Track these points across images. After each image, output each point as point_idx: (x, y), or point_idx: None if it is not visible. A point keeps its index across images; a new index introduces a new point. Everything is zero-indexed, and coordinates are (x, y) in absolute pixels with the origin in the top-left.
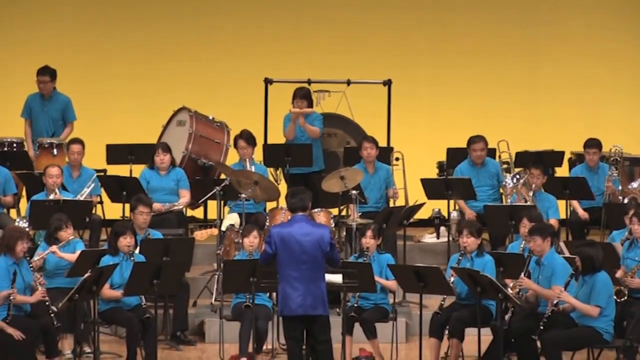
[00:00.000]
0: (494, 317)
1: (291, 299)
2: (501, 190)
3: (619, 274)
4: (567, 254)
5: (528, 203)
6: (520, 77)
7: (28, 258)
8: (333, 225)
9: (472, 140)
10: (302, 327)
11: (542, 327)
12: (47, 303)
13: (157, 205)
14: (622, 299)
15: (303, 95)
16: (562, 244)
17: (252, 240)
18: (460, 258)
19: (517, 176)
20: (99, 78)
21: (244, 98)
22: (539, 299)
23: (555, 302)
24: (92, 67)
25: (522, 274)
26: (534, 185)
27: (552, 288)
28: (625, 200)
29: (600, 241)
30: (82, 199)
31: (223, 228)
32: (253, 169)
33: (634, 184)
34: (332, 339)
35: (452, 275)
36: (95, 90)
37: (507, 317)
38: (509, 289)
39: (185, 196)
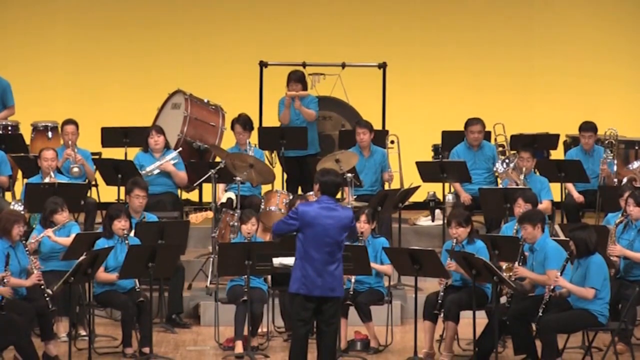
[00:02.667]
0: (489, 300)
1: (311, 279)
2: (496, 174)
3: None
4: (562, 237)
5: (520, 186)
6: (516, 60)
7: (24, 241)
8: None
9: (470, 122)
10: (313, 308)
11: (540, 314)
12: (42, 286)
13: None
14: (617, 276)
15: (297, 79)
16: (557, 227)
17: (250, 228)
18: (454, 245)
19: (507, 161)
20: (94, 61)
21: (239, 81)
22: (534, 286)
23: (552, 287)
24: (87, 50)
25: (517, 263)
26: (524, 169)
27: (546, 272)
28: (624, 180)
29: (595, 224)
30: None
31: (223, 200)
32: (251, 154)
33: (634, 164)
34: None
35: (449, 266)
36: (89, 74)
37: (502, 300)
38: (503, 272)
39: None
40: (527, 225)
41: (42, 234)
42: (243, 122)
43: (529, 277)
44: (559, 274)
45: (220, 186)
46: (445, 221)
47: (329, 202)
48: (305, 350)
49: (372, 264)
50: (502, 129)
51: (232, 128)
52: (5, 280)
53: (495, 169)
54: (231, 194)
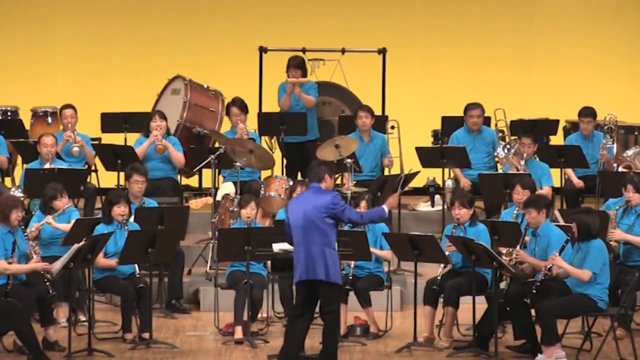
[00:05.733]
0: (489, 285)
1: (296, 265)
2: (496, 159)
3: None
4: (562, 222)
5: (520, 172)
6: (516, 46)
7: (23, 227)
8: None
9: (469, 106)
10: (304, 294)
11: (534, 291)
12: (42, 272)
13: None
14: (617, 261)
15: (297, 65)
16: (556, 212)
17: (249, 212)
18: (454, 229)
19: (508, 146)
20: (93, 47)
21: (239, 66)
22: (534, 270)
23: (548, 266)
24: (86, 36)
25: (518, 246)
26: (525, 154)
27: (548, 258)
28: (620, 169)
29: (595, 209)
30: None
31: (218, 197)
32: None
33: (629, 152)
34: None
35: (448, 248)
36: (89, 60)
37: (502, 285)
38: (503, 257)
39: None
40: (531, 210)
41: (42, 222)
42: (239, 105)
43: (529, 262)
44: (558, 254)
45: (222, 183)
46: (447, 204)
47: (312, 188)
48: (295, 337)
49: (372, 249)
50: (503, 114)
51: (228, 112)
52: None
53: (496, 154)
54: (227, 189)
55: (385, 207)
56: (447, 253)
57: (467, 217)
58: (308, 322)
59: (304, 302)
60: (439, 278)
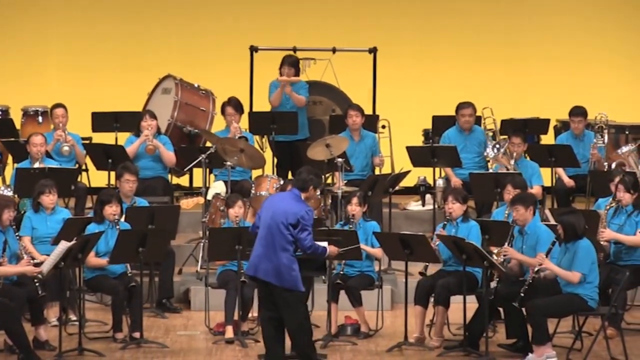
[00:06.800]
0: (479, 284)
1: (251, 258)
2: (487, 159)
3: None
4: (553, 222)
5: (511, 171)
6: (508, 45)
7: (14, 226)
8: (318, 193)
9: (461, 105)
10: (265, 296)
11: (522, 295)
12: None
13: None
14: (607, 261)
15: (291, 63)
16: (547, 212)
17: (237, 211)
18: (446, 223)
19: (498, 145)
20: (84, 46)
21: (230, 66)
22: (523, 269)
23: (536, 269)
24: (77, 36)
25: (507, 244)
26: (515, 154)
27: (537, 255)
28: (613, 165)
29: (586, 208)
30: None
31: (209, 197)
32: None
33: (624, 149)
34: (318, 306)
35: (437, 240)
36: (80, 60)
37: (492, 284)
38: (493, 256)
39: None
40: (519, 207)
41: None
42: (235, 105)
43: (518, 259)
44: (545, 256)
45: (213, 183)
46: (438, 203)
47: (291, 192)
48: (272, 339)
49: (363, 246)
50: (491, 112)
51: (223, 111)
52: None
53: (485, 154)
54: (218, 188)
55: (327, 249)
56: (436, 243)
57: (460, 212)
58: (278, 321)
59: (267, 302)
60: (425, 268)
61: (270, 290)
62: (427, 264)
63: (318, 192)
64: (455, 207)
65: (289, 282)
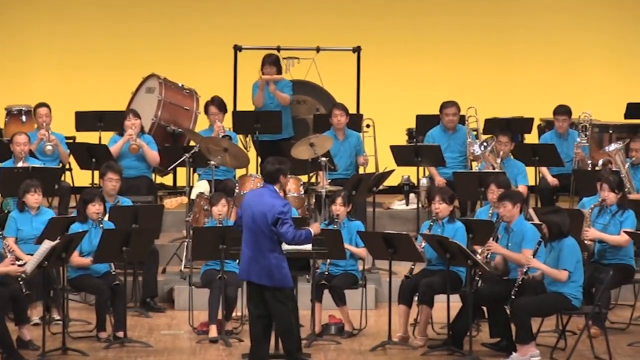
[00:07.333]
0: (463, 283)
1: (241, 262)
2: (471, 156)
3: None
4: (537, 221)
5: (496, 170)
6: (491, 44)
7: None
8: (302, 192)
9: (445, 105)
10: (256, 295)
11: (513, 297)
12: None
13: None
14: (591, 260)
15: (272, 62)
16: (531, 211)
17: (220, 209)
18: (432, 224)
19: (485, 143)
20: (68, 46)
21: (214, 65)
22: (508, 266)
23: (525, 270)
24: (61, 36)
25: (491, 239)
26: (501, 152)
27: (522, 252)
28: (599, 163)
29: (570, 207)
30: None
31: (192, 196)
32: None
33: (611, 147)
34: (301, 305)
35: (423, 241)
36: (63, 59)
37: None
38: (477, 256)
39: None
40: (507, 203)
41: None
42: (218, 104)
43: (503, 254)
44: (532, 256)
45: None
46: (422, 202)
47: (266, 188)
48: (259, 337)
49: (347, 246)
50: (475, 112)
51: (206, 110)
52: None
53: (472, 151)
54: (201, 187)
55: (312, 230)
56: (422, 245)
57: (447, 212)
58: (268, 319)
59: (257, 302)
60: (411, 272)
61: (262, 290)
62: (412, 267)
63: (289, 177)
64: (442, 208)
65: (280, 281)
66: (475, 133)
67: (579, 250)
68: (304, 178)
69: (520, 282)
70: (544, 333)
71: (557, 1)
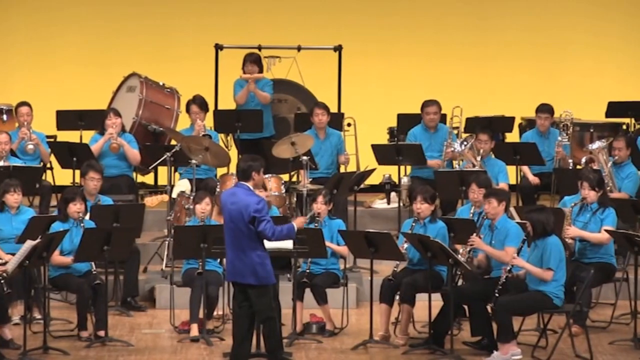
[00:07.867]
0: (444, 282)
1: (226, 263)
2: (450, 156)
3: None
4: (518, 220)
5: (476, 168)
6: (472, 43)
7: None
8: (284, 191)
9: (426, 103)
10: (240, 294)
11: (497, 295)
12: None
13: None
14: (572, 259)
15: (253, 61)
16: (512, 210)
17: (204, 207)
18: (414, 224)
19: (465, 142)
20: (48, 45)
21: (195, 64)
22: (491, 264)
23: (509, 268)
24: (42, 34)
25: (474, 234)
26: (482, 151)
27: (505, 249)
28: (582, 160)
29: (551, 206)
30: None
31: (174, 195)
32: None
33: (595, 145)
34: (283, 304)
35: (405, 242)
36: (44, 57)
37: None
38: (459, 255)
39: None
40: (492, 199)
41: None
42: (199, 103)
43: (485, 250)
44: (516, 255)
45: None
46: (403, 201)
47: (240, 187)
48: (241, 335)
49: (328, 244)
50: (460, 112)
51: (188, 109)
52: None
53: (453, 149)
54: (182, 186)
55: (294, 224)
56: (404, 246)
57: (428, 212)
58: (251, 319)
59: (241, 301)
60: (394, 275)
61: (246, 288)
62: (395, 269)
63: (263, 174)
64: (423, 207)
65: (265, 278)
66: (456, 132)
67: (563, 248)
68: (285, 177)
69: (504, 281)
70: (525, 332)
71: (538, 1)
